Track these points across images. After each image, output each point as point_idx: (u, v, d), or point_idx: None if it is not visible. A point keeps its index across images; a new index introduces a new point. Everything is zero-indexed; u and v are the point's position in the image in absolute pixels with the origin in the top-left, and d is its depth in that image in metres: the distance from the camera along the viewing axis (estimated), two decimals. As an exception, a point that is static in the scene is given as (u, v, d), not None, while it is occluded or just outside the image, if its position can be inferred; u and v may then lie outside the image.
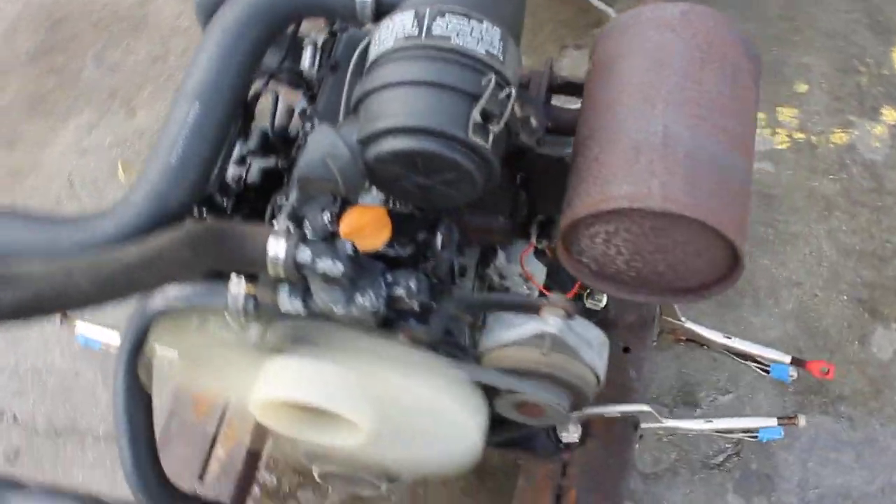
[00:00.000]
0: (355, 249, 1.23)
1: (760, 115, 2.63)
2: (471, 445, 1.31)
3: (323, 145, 1.21)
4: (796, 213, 2.48)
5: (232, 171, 1.47)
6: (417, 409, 1.27)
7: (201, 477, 1.90)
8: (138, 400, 1.42)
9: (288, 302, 1.28)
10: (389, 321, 1.31)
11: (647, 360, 1.93)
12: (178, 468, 1.90)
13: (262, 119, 1.50)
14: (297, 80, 1.48)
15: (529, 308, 1.29)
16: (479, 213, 1.40)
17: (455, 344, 1.43)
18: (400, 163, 1.19)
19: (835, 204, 2.48)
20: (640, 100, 1.26)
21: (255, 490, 2.26)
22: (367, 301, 1.23)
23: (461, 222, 1.40)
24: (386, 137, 1.17)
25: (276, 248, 1.20)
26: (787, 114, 2.63)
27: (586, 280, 1.34)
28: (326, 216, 1.31)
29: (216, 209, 1.43)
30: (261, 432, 1.93)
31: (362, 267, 1.25)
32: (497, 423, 1.48)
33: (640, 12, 1.34)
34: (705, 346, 1.96)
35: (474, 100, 1.16)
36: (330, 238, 1.23)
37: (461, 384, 1.29)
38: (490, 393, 1.38)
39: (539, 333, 1.27)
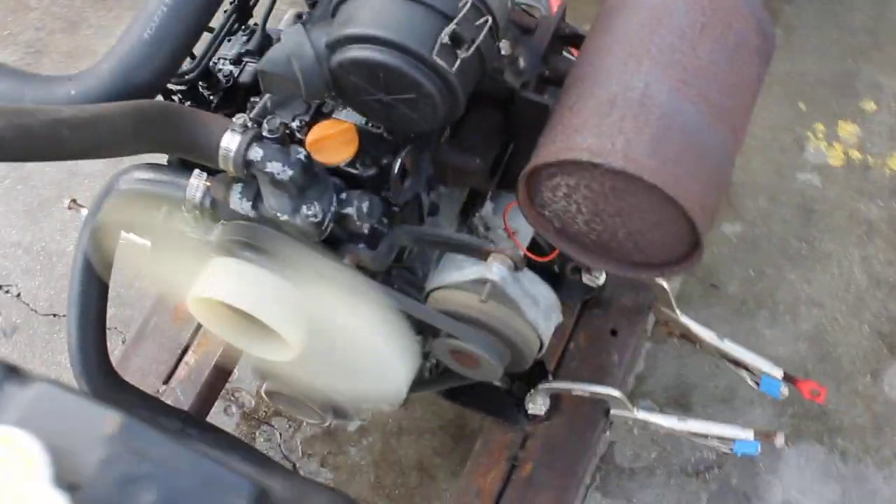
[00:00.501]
0: (309, 158, 1.19)
1: (818, 126, 2.52)
2: (396, 384, 1.28)
3: (289, 44, 1.18)
4: (834, 232, 2.36)
5: (226, 68, 1.45)
6: (346, 338, 1.24)
7: (166, 381, 1.89)
8: (93, 282, 1.41)
9: (238, 202, 1.25)
10: (338, 240, 1.28)
11: (633, 347, 1.86)
12: (146, 367, 1.90)
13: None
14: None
15: (477, 252, 1.25)
16: (456, 150, 1.35)
17: (408, 277, 1.39)
18: (362, 74, 1.15)
19: (876, 230, 2.36)
20: (628, 54, 1.19)
21: (234, 409, 2.26)
22: (311, 212, 1.20)
23: (437, 158, 1.36)
24: (351, 45, 1.14)
25: (230, 141, 1.18)
26: (847, 130, 2.51)
27: (549, 236, 1.28)
28: (295, 123, 1.29)
29: (199, 100, 1.41)
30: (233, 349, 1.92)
31: (315, 178, 1.22)
32: (444, 371, 1.44)
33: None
34: (697, 345, 1.88)
35: (448, 21, 1.12)
36: (285, 141, 1.19)
37: (395, 322, 1.25)
38: (430, 334, 1.33)
39: (481, 279, 1.22)
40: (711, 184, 1.17)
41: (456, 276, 1.26)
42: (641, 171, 1.11)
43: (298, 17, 1.36)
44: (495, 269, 1.21)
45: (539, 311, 1.25)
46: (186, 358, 1.92)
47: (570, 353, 1.88)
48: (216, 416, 2.21)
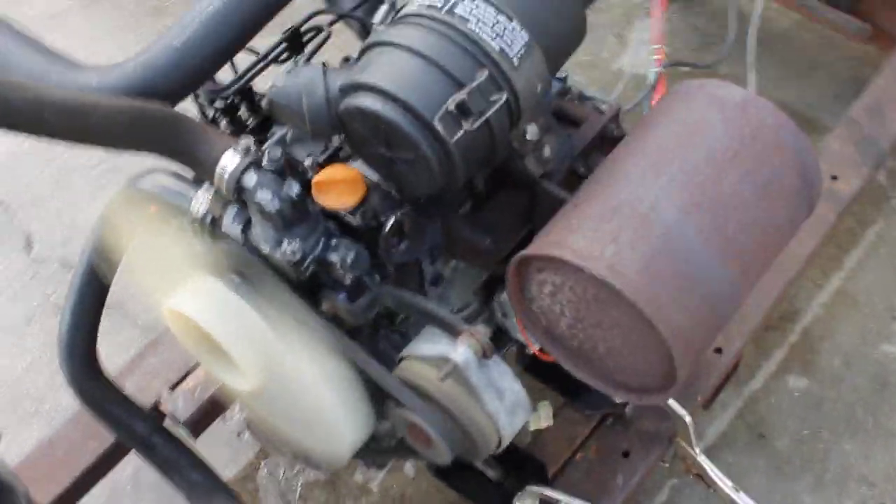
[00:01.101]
0: (301, 195, 1.17)
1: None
2: (337, 447, 1.23)
3: (303, 79, 1.17)
4: (907, 412, 2.19)
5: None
6: (297, 387, 1.21)
7: (173, 388, 1.89)
8: (95, 274, 1.41)
9: (230, 224, 1.23)
10: (321, 286, 1.24)
11: (641, 473, 1.75)
12: (157, 369, 1.90)
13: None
14: (365, 33, 1.44)
15: (451, 329, 1.19)
16: (470, 226, 1.30)
17: (396, 342, 1.35)
18: (365, 123, 1.12)
19: (953, 422, 2.17)
20: (649, 165, 1.13)
21: (246, 435, 2.24)
22: (291, 248, 1.17)
23: (450, 229, 1.31)
24: (358, 92, 1.11)
25: (229, 161, 1.16)
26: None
27: (534, 332, 1.22)
28: (308, 161, 1.27)
29: (235, 122, 1.41)
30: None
31: (305, 216, 1.19)
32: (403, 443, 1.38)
33: (705, 84, 1.21)
34: (711, 489, 1.76)
35: (460, 88, 1.08)
36: (283, 174, 1.17)
37: (352, 384, 1.21)
38: (394, 401, 1.28)
39: (444, 356, 1.16)
40: (701, 319, 1.09)
41: (426, 348, 1.20)
42: (624, 286, 1.04)
43: (346, 60, 1.35)
44: (461, 351, 1.15)
45: (502, 405, 1.18)
46: (199, 369, 1.90)
47: (575, 462, 1.78)
48: (225, 437, 2.20)
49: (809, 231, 1.92)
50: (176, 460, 1.48)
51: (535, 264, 1.13)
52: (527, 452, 1.69)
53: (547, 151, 1.23)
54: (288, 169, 1.28)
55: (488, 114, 1.08)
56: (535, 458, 1.68)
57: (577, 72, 2.78)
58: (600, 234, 1.07)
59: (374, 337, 1.34)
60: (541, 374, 1.69)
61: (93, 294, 1.42)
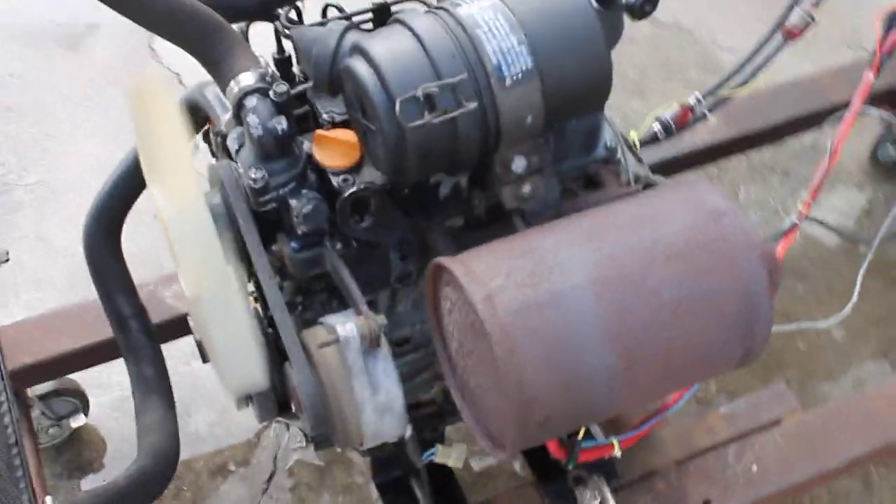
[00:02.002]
0: (286, 133, 1.22)
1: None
2: (230, 384, 1.26)
3: (325, 29, 1.23)
4: None
5: None
6: (215, 315, 1.24)
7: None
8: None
9: (231, 141, 1.31)
10: (280, 227, 1.29)
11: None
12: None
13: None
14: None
15: (354, 306, 1.20)
16: (444, 236, 1.31)
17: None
18: (352, 85, 1.17)
19: None
20: (588, 229, 1.11)
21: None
22: (257, 175, 1.22)
23: (424, 232, 1.32)
24: (356, 53, 1.16)
25: (243, 79, 1.25)
26: None
27: (436, 340, 1.21)
28: (325, 116, 1.33)
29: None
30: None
31: (286, 154, 1.23)
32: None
33: (698, 183, 1.17)
34: None
35: (436, 77, 1.11)
36: (283, 109, 1.23)
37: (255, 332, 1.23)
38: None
39: (334, 327, 1.17)
40: (559, 391, 1.04)
41: (333, 318, 1.22)
42: (486, 317, 1.02)
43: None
44: (348, 327, 1.16)
45: (372, 399, 1.17)
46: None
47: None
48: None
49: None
50: (139, 349, 1.56)
51: (444, 276, 1.12)
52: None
53: (527, 189, 1.22)
54: (312, 120, 1.36)
55: (453, 114, 1.09)
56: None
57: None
58: (498, 267, 1.06)
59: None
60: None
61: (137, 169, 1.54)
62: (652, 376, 1.08)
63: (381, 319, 1.17)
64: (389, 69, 1.11)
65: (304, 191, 1.25)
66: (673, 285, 1.06)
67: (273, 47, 1.42)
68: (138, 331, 1.58)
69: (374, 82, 1.11)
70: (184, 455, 2.05)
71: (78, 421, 2.14)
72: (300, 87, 1.34)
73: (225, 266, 1.25)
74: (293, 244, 1.27)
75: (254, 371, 1.23)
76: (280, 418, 1.40)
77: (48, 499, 1.35)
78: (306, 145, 1.27)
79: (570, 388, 1.04)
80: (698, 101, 2.03)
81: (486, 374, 1.08)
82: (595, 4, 1.23)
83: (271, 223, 1.29)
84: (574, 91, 1.17)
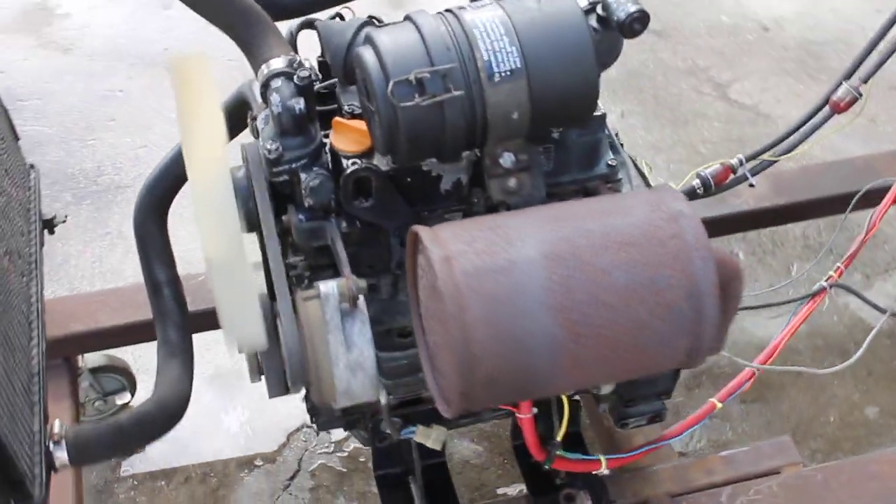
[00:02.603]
0: (303, 112, 1.35)
1: None
2: (236, 339, 1.37)
3: (346, 23, 1.37)
4: None
5: None
6: (220, 277, 1.36)
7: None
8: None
9: (261, 121, 1.45)
10: (292, 200, 1.42)
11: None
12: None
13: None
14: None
15: (340, 269, 1.31)
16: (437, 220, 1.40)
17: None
18: (360, 70, 1.29)
19: None
20: (554, 214, 1.21)
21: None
22: (269, 147, 1.36)
23: (423, 220, 1.42)
24: (366, 42, 1.29)
25: (274, 63, 1.39)
26: None
27: (414, 313, 1.30)
28: (347, 107, 1.46)
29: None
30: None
31: (302, 133, 1.37)
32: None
33: (664, 188, 1.26)
34: None
35: (430, 65, 1.22)
36: (304, 92, 1.37)
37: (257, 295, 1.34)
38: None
39: (317, 285, 1.28)
40: (502, 351, 1.12)
41: (321, 282, 1.32)
42: (442, 275, 1.12)
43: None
44: (329, 285, 1.27)
45: (345, 355, 1.26)
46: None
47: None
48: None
49: None
50: (168, 315, 1.70)
51: (418, 244, 1.23)
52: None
53: (513, 184, 1.32)
54: (338, 114, 1.49)
55: (440, 98, 1.21)
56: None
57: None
58: (463, 236, 1.16)
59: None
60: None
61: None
62: (596, 353, 1.15)
63: (362, 283, 1.28)
64: (389, 54, 1.23)
65: (315, 168, 1.38)
66: (623, 270, 1.14)
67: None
68: (170, 298, 1.72)
69: (374, 65, 1.24)
70: (216, 447, 2.21)
71: (123, 398, 2.29)
72: (328, 82, 1.48)
73: (238, 232, 1.38)
74: (300, 216, 1.40)
75: (253, 330, 1.35)
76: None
77: (56, 422, 1.48)
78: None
79: (514, 350, 1.13)
80: (741, 162, 2.08)
81: (440, 331, 1.17)
82: (595, 24, 1.34)
83: (284, 196, 1.42)
84: (560, 97, 1.27)
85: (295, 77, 1.37)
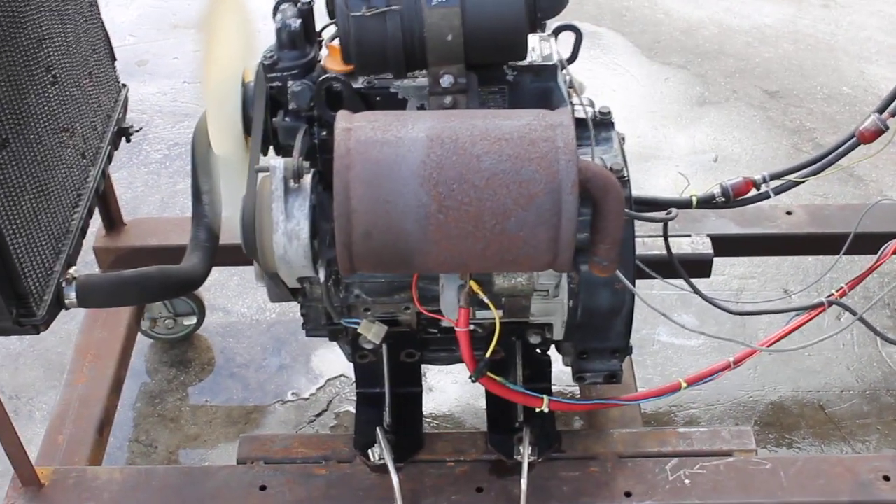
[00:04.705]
0: (299, 29, 1.64)
1: None
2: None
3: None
4: None
5: None
6: (223, 169, 1.65)
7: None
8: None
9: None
10: (284, 107, 1.69)
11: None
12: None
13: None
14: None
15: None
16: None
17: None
18: None
19: None
20: (452, 114, 1.46)
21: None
22: (266, 55, 1.65)
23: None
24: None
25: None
26: None
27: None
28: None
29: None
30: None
31: (297, 47, 1.65)
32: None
33: (560, 109, 1.45)
34: None
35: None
36: (299, 14, 1.65)
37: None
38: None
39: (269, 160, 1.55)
40: (380, 209, 1.34)
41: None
42: (340, 140, 1.36)
43: None
44: (279, 160, 1.52)
45: (284, 224, 1.47)
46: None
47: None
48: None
49: None
50: (202, 218, 1.99)
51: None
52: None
53: (448, 101, 1.55)
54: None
55: (381, 10, 1.47)
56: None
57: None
58: (370, 118, 1.41)
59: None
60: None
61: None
62: (462, 228, 1.35)
63: (306, 164, 1.53)
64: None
65: (305, 76, 1.66)
66: (492, 158, 1.34)
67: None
68: (208, 204, 2.03)
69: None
70: (259, 381, 2.49)
71: (190, 320, 2.61)
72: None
73: (241, 133, 1.67)
74: (287, 120, 1.67)
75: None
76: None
77: (72, 270, 1.79)
78: None
79: (388, 209, 1.34)
80: (764, 179, 2.20)
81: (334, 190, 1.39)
82: None
83: (278, 103, 1.70)
84: (490, 27, 1.51)
85: (299, 3, 1.66)
